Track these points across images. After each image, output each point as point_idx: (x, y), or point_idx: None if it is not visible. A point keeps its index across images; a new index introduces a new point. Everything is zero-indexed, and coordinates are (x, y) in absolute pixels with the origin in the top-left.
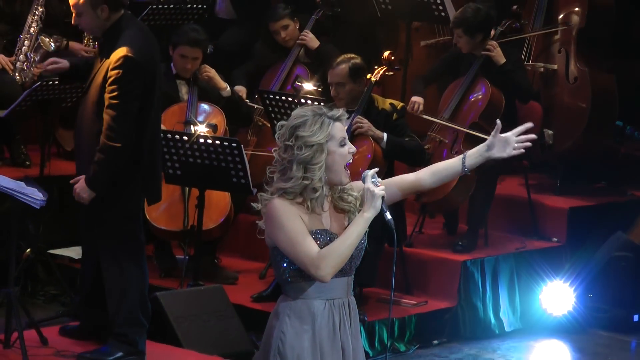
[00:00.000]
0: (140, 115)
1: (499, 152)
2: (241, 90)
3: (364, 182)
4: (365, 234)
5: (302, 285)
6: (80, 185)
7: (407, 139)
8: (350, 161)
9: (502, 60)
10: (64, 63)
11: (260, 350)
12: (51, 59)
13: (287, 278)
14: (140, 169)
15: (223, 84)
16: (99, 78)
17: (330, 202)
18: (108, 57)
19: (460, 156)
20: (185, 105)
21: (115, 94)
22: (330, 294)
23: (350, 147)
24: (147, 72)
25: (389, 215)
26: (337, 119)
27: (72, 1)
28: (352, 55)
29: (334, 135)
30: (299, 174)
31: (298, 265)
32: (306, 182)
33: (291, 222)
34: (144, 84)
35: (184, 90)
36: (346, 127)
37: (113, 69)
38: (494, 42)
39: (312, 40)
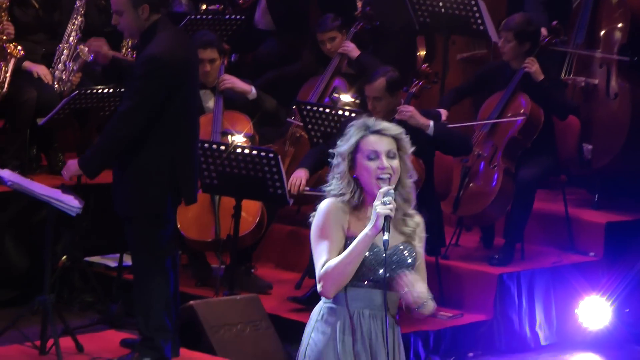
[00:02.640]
0: (170, 117)
1: None
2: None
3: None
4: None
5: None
6: (72, 161)
7: None
8: (383, 176)
9: (541, 76)
10: (104, 52)
11: (297, 355)
12: (99, 40)
13: None
14: (169, 173)
15: (247, 87)
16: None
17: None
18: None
19: None
20: (212, 116)
21: (133, 89)
22: (359, 304)
23: (380, 163)
24: (175, 75)
25: (386, 236)
26: (373, 132)
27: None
28: (389, 68)
29: (361, 148)
30: (330, 180)
31: None
32: (331, 187)
33: (326, 229)
34: (170, 86)
35: (210, 101)
36: None
37: (138, 66)
38: (533, 58)
39: (353, 50)
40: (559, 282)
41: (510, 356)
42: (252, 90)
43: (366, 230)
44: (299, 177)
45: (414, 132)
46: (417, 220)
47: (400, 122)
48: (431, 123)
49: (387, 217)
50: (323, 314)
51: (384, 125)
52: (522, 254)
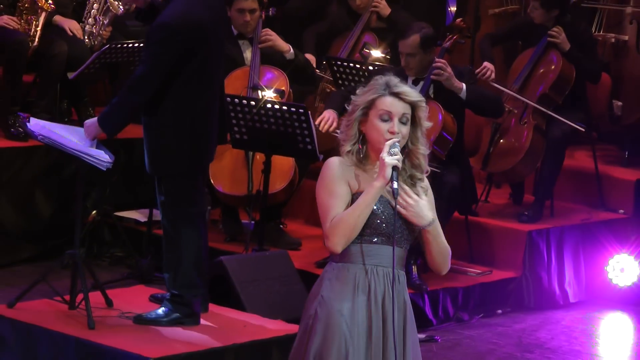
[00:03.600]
0: (189, 78)
1: None
2: (311, 58)
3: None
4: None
5: (347, 249)
6: (91, 121)
7: None
8: (396, 139)
9: (567, 46)
10: None
11: (302, 316)
12: None
13: None
14: (189, 133)
15: (286, 47)
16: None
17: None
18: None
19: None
20: (249, 69)
21: (148, 54)
22: (373, 260)
23: (391, 127)
24: (191, 38)
25: (395, 185)
26: (392, 93)
27: None
28: (423, 24)
29: (376, 105)
30: (342, 129)
31: None
32: (342, 137)
33: (332, 185)
34: (186, 50)
35: (247, 53)
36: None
37: (152, 33)
38: (559, 28)
39: (384, 8)
40: (589, 239)
41: (539, 313)
42: (290, 50)
43: (374, 181)
44: (331, 117)
45: (448, 92)
46: (424, 185)
47: (435, 82)
48: (464, 87)
49: (394, 168)
50: (336, 272)
51: (405, 89)
52: (552, 211)
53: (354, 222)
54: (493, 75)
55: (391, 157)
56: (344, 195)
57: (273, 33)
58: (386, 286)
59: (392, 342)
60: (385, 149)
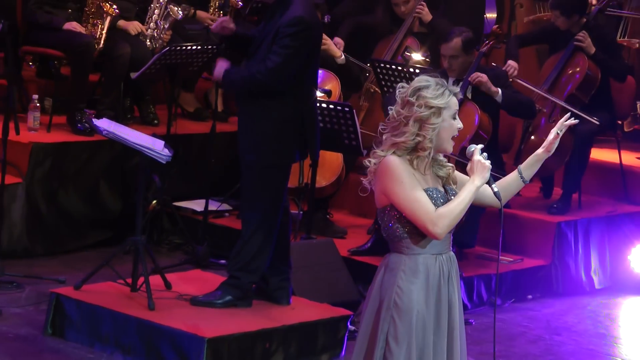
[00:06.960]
0: (305, 77)
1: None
2: (339, 42)
3: (469, 155)
4: None
5: (415, 241)
6: (223, 65)
7: None
8: (456, 134)
9: (592, 50)
10: (230, 27)
11: (370, 306)
12: (224, 19)
13: (400, 234)
14: (299, 128)
15: (338, 53)
16: (267, 39)
17: (430, 167)
18: (278, 20)
19: (516, 171)
20: None
21: (282, 45)
22: (438, 249)
23: (458, 123)
24: (315, 38)
25: (495, 188)
26: (454, 95)
27: None
28: (464, 28)
29: (450, 106)
30: (414, 130)
31: (413, 221)
32: (419, 138)
33: (408, 178)
34: (311, 49)
35: None
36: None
37: (287, 27)
38: (584, 33)
39: (427, 14)
40: (613, 230)
41: (567, 299)
42: (342, 56)
43: (475, 181)
44: None
45: (485, 94)
46: (449, 166)
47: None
48: (500, 91)
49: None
50: (408, 263)
51: (458, 89)
52: (579, 203)
53: (460, 215)
54: (516, 72)
55: (488, 162)
56: (420, 185)
57: (327, 38)
58: (450, 269)
59: (457, 323)
60: (476, 153)
